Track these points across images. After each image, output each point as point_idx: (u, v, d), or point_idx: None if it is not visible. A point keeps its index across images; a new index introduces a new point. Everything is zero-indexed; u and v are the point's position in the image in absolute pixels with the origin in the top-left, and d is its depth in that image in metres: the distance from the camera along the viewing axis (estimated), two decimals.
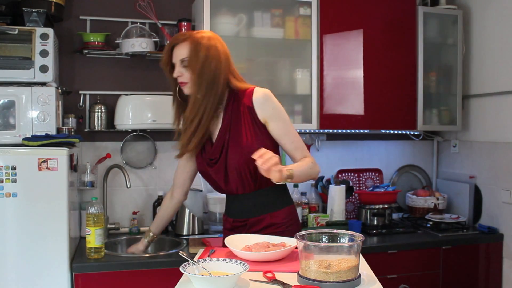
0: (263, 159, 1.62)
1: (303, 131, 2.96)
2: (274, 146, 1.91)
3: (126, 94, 2.83)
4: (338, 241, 1.45)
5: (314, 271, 1.33)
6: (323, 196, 3.15)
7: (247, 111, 1.87)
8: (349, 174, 3.30)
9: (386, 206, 3.01)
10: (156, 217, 2.37)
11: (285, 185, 1.99)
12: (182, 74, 1.85)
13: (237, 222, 1.97)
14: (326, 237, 1.47)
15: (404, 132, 3.27)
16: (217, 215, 2.89)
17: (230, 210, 2.02)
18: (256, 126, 1.87)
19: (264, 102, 1.87)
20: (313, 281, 1.32)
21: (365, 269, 1.46)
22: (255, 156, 1.64)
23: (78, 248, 2.48)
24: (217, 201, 2.87)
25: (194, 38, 1.84)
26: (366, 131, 3.12)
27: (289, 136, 1.90)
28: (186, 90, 1.87)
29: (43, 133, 2.26)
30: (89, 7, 2.88)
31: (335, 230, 1.48)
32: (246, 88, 1.90)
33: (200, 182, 2.90)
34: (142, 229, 2.89)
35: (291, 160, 1.94)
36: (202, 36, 1.85)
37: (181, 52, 1.84)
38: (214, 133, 1.93)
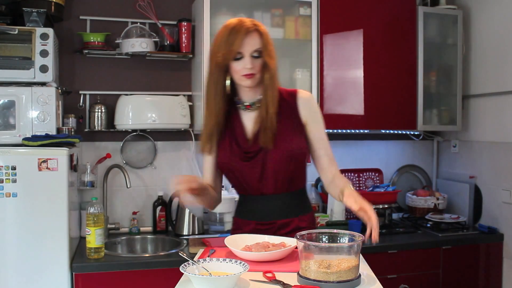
0: (374, 219, 1.56)
1: None
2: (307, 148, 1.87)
3: (126, 94, 2.83)
4: (338, 241, 1.45)
5: (314, 271, 1.33)
6: (323, 196, 3.15)
7: (289, 110, 1.82)
8: (349, 174, 3.30)
9: (386, 206, 3.00)
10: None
11: (306, 190, 1.94)
12: (254, 66, 1.74)
13: (260, 225, 1.82)
14: (326, 237, 1.46)
15: (404, 132, 3.27)
16: (217, 215, 2.88)
17: (251, 212, 1.86)
18: (298, 125, 1.83)
19: (310, 104, 1.85)
20: (313, 281, 1.32)
21: (365, 269, 1.46)
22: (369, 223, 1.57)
23: (78, 248, 2.48)
24: None
25: (260, 27, 1.76)
26: (366, 131, 3.12)
27: (324, 142, 1.87)
28: (250, 82, 1.75)
29: (43, 133, 2.26)
30: (89, 7, 2.87)
31: (335, 230, 1.47)
32: (284, 88, 1.86)
33: None
34: (142, 229, 2.90)
35: (318, 165, 1.88)
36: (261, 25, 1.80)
37: (255, 42, 1.73)
38: (248, 124, 1.84)
